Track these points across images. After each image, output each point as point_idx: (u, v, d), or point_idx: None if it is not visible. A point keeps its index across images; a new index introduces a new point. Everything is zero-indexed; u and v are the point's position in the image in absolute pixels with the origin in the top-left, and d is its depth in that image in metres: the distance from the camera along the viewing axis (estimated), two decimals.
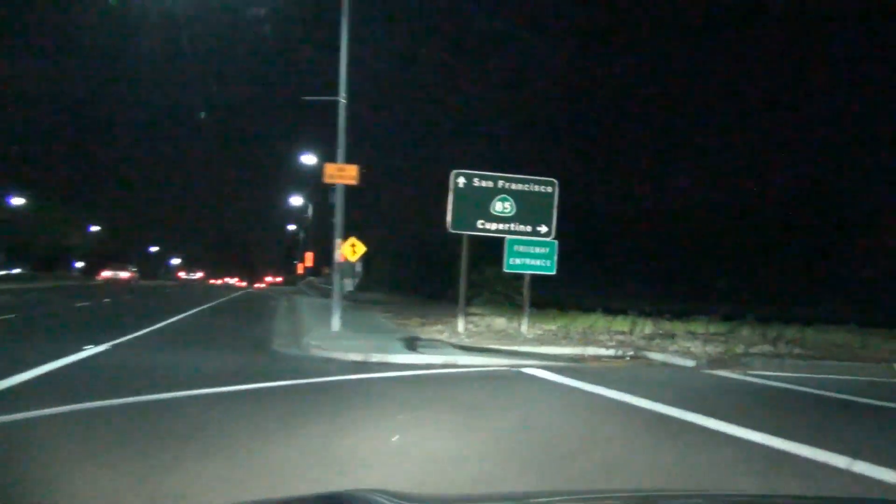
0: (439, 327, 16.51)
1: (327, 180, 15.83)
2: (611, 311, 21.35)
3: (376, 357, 11.74)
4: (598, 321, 18.35)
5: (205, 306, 27.60)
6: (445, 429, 6.30)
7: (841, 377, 11.25)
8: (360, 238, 28.94)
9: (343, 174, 15.72)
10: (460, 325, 15.43)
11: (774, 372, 11.51)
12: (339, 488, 2.54)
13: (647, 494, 3.20)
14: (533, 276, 16.06)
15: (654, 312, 20.40)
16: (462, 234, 15.33)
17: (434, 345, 13.36)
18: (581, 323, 18.00)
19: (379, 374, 9.94)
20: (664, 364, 12.54)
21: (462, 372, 10.57)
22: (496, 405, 7.71)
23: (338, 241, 15.74)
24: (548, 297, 26.69)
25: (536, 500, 2.51)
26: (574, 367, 11.67)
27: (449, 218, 15.17)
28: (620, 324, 17.96)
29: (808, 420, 7.66)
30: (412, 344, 13.19)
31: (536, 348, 13.71)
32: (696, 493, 3.72)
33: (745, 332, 16.74)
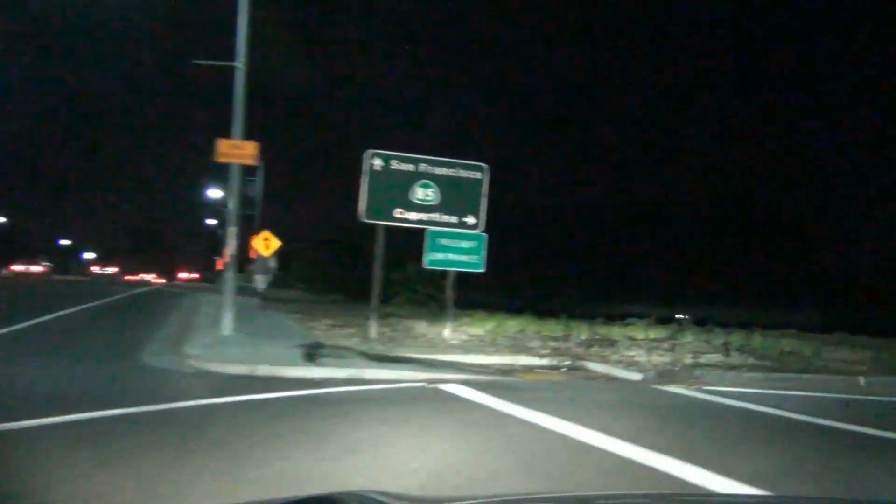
0: (350, 331, 14.40)
1: (220, 159, 13.48)
2: (541, 313, 19.74)
3: (263, 370, 9.59)
4: (529, 325, 16.60)
5: (96, 302, 24.67)
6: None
7: (809, 394, 9.73)
8: (276, 232, 26.57)
9: (239, 152, 13.43)
10: (373, 329, 13.36)
11: (733, 387, 9.90)
12: None
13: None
14: (459, 273, 14.16)
15: (586, 315, 18.90)
16: (377, 225, 13.29)
17: (339, 353, 11.27)
18: (510, 326, 16.20)
19: (259, 394, 7.80)
20: (607, 377, 10.81)
21: (366, 391, 8.52)
22: (398, 449, 5.69)
23: (231, 229, 13.44)
24: (475, 298, 24.96)
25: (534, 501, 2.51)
26: (503, 381, 9.79)
27: (362, 205, 13.10)
28: (553, 328, 16.27)
29: (815, 464, 5.89)
30: (313, 353, 11.07)
31: (460, 357, 11.80)
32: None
33: (688, 337, 15.29)
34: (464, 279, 15.26)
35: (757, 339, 14.96)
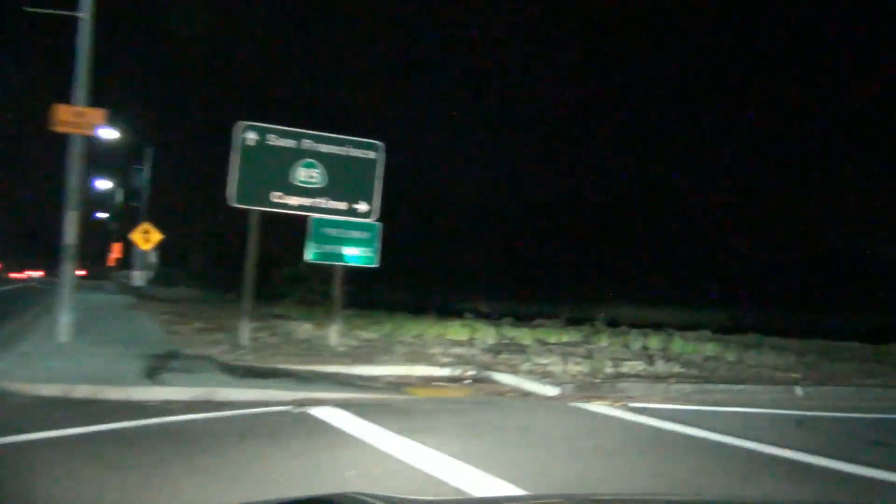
0: (219, 337, 12.22)
1: (58, 129, 11.04)
2: (444, 312, 18.09)
3: (84, 390, 7.43)
4: (431, 327, 14.85)
5: None
6: None
7: (751, 410, 8.35)
8: (169, 225, 23.71)
9: (82, 121, 11.08)
10: (244, 334, 11.24)
11: (663, 404, 8.43)
12: None
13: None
14: (356, 269, 12.25)
15: (491, 314, 17.34)
16: (251, 211, 11.21)
17: (194, 366, 9.15)
18: (409, 329, 14.40)
19: (52, 431, 5.68)
20: (517, 391, 9.15)
21: (210, 420, 6.50)
22: None
23: (70, 213, 11.07)
24: (379, 296, 23.05)
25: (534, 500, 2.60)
26: (392, 402, 7.95)
27: (231, 188, 10.98)
28: (456, 330, 14.58)
29: None
30: (160, 366, 8.92)
31: (345, 368, 9.93)
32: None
33: (604, 341, 13.93)
34: (364, 275, 13.43)
35: (677, 342, 13.72)
